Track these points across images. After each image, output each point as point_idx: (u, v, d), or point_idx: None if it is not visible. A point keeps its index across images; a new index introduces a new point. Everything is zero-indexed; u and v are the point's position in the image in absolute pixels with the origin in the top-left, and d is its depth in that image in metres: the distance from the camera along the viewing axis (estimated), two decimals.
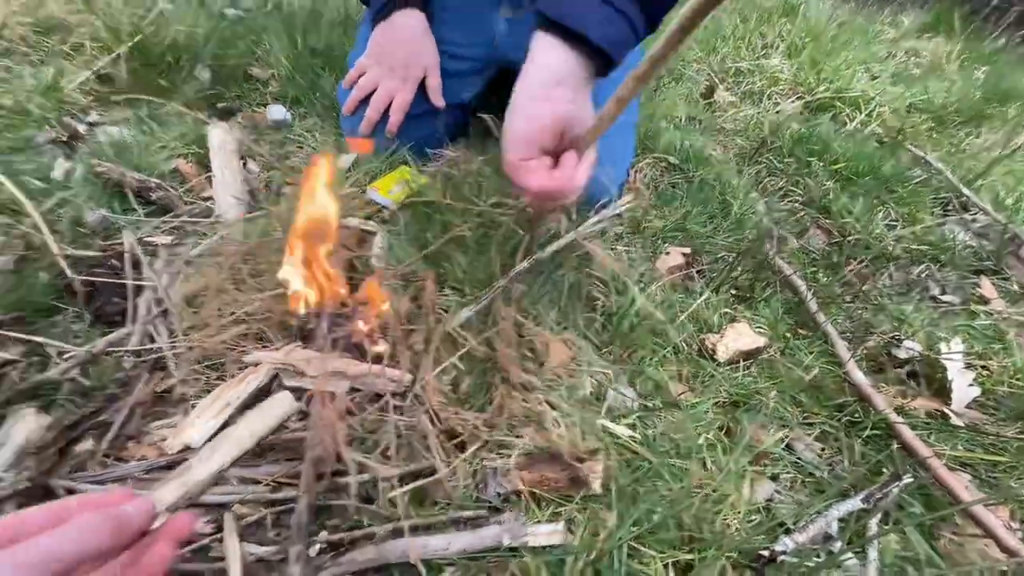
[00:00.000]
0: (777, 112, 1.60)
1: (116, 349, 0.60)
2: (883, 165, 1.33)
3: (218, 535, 0.50)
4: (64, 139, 0.88)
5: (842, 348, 0.84)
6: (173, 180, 0.92)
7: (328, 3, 1.60)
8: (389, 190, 0.98)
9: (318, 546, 0.51)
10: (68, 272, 0.61)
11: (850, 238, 1.16)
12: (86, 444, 0.53)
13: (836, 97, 1.59)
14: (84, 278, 0.63)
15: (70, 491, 0.49)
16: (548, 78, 0.59)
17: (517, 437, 0.64)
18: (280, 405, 0.58)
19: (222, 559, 0.49)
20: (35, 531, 0.27)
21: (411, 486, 0.57)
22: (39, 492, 0.48)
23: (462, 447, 0.63)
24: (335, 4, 1.61)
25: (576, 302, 0.85)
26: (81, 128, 0.93)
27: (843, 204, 1.22)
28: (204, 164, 0.97)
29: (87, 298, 0.64)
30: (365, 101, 0.99)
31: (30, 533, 0.27)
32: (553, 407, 0.70)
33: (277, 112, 1.14)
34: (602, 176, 1.01)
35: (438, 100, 0.97)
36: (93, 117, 0.98)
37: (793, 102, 1.64)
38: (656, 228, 1.06)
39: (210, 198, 0.89)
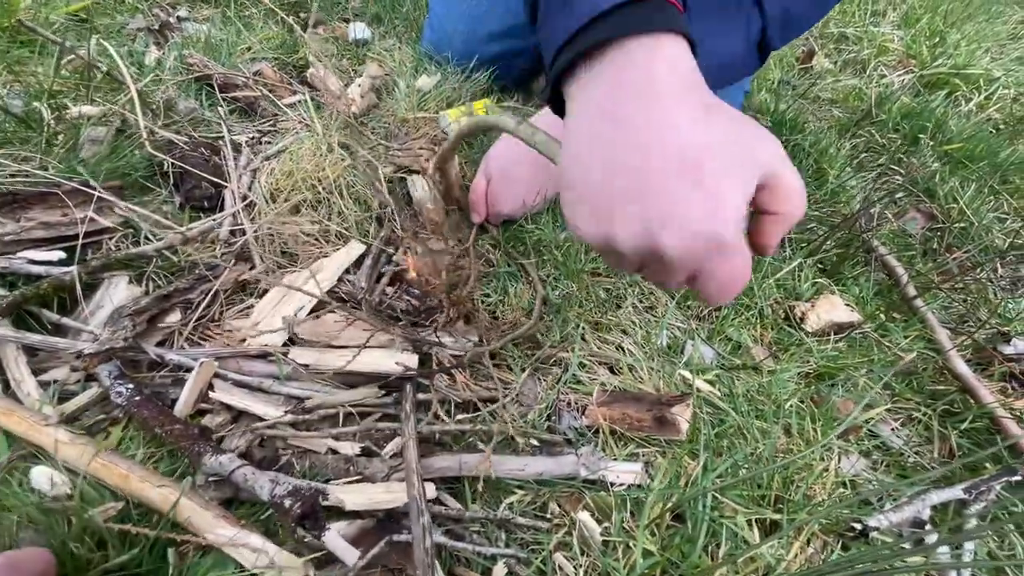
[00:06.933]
0: (884, 85, 1.46)
1: (207, 233, 0.59)
2: (1001, 152, 1.20)
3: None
4: (156, 27, 0.87)
5: (943, 336, 0.77)
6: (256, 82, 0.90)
7: None
8: (458, 118, 0.94)
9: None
10: (161, 154, 0.61)
11: (954, 225, 1.06)
12: (173, 317, 0.53)
13: (954, 73, 1.44)
14: (176, 162, 0.63)
15: (159, 358, 0.49)
16: None
17: (590, 377, 0.61)
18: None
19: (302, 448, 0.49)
20: None
21: (488, 410, 0.55)
22: (130, 354, 0.48)
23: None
24: None
25: None
26: (171, 20, 0.92)
27: (951, 189, 1.11)
28: (286, 70, 0.95)
29: (177, 181, 0.63)
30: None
31: None
32: (626, 352, 0.67)
33: (360, 30, 1.11)
34: None
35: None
36: (182, 12, 0.96)
37: (902, 75, 1.50)
38: None
39: (293, 104, 0.88)
